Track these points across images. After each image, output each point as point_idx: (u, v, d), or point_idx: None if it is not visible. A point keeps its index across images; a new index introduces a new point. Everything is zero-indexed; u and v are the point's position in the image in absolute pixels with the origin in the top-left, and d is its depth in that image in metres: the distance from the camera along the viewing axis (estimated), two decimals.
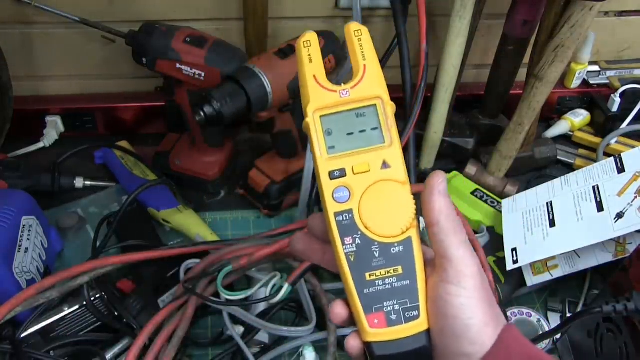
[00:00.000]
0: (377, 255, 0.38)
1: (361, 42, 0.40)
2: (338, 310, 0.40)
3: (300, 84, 0.40)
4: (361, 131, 0.40)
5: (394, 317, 0.38)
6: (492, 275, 0.74)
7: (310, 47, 0.40)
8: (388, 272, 0.38)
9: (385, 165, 0.39)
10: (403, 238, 0.39)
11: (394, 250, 0.39)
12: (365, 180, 0.39)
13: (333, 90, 0.40)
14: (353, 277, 0.38)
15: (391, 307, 0.38)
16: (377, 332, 0.38)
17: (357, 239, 0.39)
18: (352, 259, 0.39)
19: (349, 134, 0.40)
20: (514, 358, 0.37)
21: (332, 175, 0.39)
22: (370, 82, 0.40)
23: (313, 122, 0.39)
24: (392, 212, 0.39)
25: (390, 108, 0.40)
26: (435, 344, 0.38)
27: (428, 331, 0.38)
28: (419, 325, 0.38)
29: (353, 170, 0.39)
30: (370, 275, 0.38)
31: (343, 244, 0.39)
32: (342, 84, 0.40)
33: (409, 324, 0.38)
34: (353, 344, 0.39)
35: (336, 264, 0.39)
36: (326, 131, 0.39)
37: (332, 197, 0.39)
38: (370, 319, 0.38)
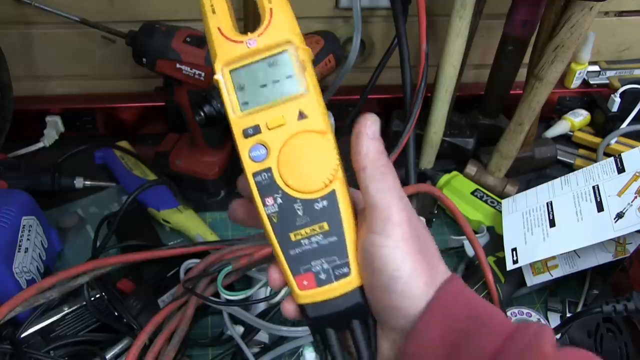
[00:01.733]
0: (300, 213, 0.36)
1: None
2: (274, 275, 0.38)
3: (206, 38, 0.37)
4: (275, 81, 0.37)
5: (323, 276, 0.37)
6: (492, 275, 0.74)
7: None
8: (313, 229, 0.36)
9: (301, 115, 0.37)
10: (327, 192, 0.36)
11: (317, 206, 0.36)
12: (282, 135, 0.36)
13: (240, 41, 0.36)
14: (278, 239, 0.37)
15: (319, 266, 0.37)
16: (308, 294, 0.37)
17: (279, 198, 0.37)
18: (275, 220, 0.37)
19: (262, 86, 0.37)
20: (455, 319, 0.34)
21: (245, 133, 0.37)
22: (279, 27, 0.36)
23: (222, 78, 0.37)
24: (312, 166, 0.36)
25: (303, 52, 0.37)
26: (369, 300, 0.37)
27: (362, 287, 0.37)
28: (350, 282, 0.36)
29: (267, 126, 0.36)
30: (295, 235, 0.37)
31: (264, 204, 0.37)
32: (249, 33, 0.37)
33: (339, 281, 0.36)
34: (288, 307, 0.38)
35: (260, 226, 0.37)
36: (238, 86, 0.37)
37: (249, 156, 0.37)
38: (299, 281, 0.37)
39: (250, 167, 0.37)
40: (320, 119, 0.37)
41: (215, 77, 0.37)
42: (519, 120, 0.84)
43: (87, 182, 0.87)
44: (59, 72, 0.93)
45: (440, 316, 0.34)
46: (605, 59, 1.07)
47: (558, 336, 0.71)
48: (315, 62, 0.80)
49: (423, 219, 0.84)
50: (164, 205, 0.83)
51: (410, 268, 0.35)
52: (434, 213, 0.88)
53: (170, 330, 0.68)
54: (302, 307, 0.37)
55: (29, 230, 0.70)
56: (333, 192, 0.36)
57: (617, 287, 0.62)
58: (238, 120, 0.37)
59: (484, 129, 0.97)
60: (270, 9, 0.37)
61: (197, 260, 0.74)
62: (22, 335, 0.65)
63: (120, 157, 0.90)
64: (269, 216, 0.37)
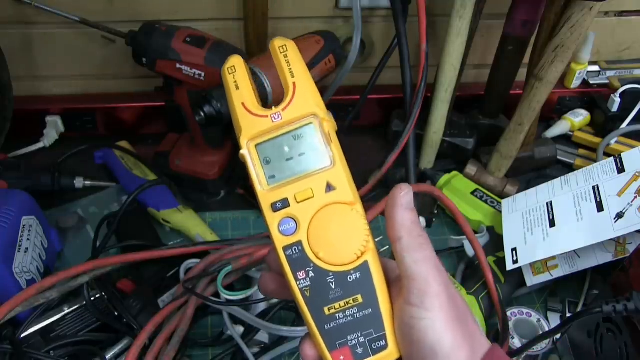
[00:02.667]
0: (333, 286, 0.36)
1: (287, 58, 0.37)
2: (308, 352, 0.37)
3: (231, 114, 0.38)
4: (301, 154, 0.37)
5: (360, 350, 0.36)
6: (492, 275, 0.74)
7: (235, 73, 0.38)
8: (347, 302, 0.36)
9: (329, 187, 0.37)
10: (359, 264, 0.36)
11: (350, 278, 0.36)
12: (311, 208, 0.36)
13: (264, 116, 0.37)
14: (311, 314, 0.36)
15: (356, 340, 0.36)
16: None
17: (311, 272, 0.36)
18: (308, 294, 0.36)
19: (288, 160, 0.37)
20: None
21: (274, 207, 0.37)
22: (303, 100, 0.37)
23: (248, 153, 0.37)
24: (343, 238, 0.36)
25: (327, 124, 0.37)
26: None
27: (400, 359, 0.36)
28: (388, 355, 0.36)
29: (296, 199, 0.36)
30: (329, 309, 0.36)
31: (296, 279, 0.36)
32: (273, 107, 0.37)
33: (377, 355, 0.36)
34: None
35: (294, 301, 0.37)
36: (264, 160, 0.37)
37: (278, 230, 0.36)
38: (336, 357, 0.36)
39: (280, 241, 0.36)
40: (349, 190, 0.37)
41: (242, 152, 0.37)
42: (519, 120, 0.84)
43: (87, 182, 0.87)
44: (59, 72, 0.93)
45: None
46: (605, 59, 1.07)
47: (558, 336, 0.71)
48: (315, 63, 0.80)
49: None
50: (164, 205, 0.83)
51: (451, 340, 0.34)
52: (434, 213, 0.88)
53: (170, 330, 0.68)
54: None
55: (29, 230, 0.70)
56: (365, 263, 0.36)
57: (617, 287, 0.62)
58: (266, 194, 0.37)
59: (484, 129, 0.97)
60: (294, 82, 0.37)
61: (197, 260, 0.74)
62: (22, 335, 0.65)
63: (120, 157, 0.90)
64: (301, 290, 0.36)
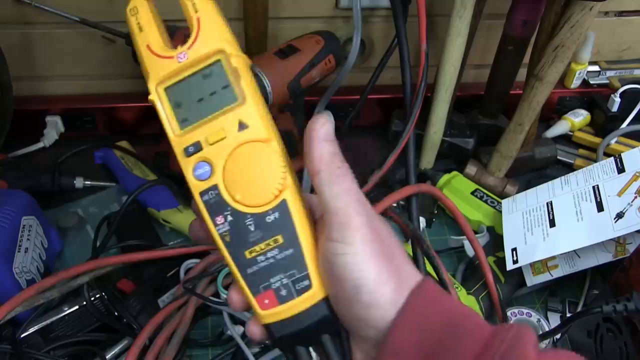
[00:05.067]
0: (252, 229, 0.35)
1: None
2: (234, 297, 0.36)
3: (138, 58, 0.36)
4: (211, 94, 0.35)
5: (284, 292, 0.35)
6: (492, 275, 0.74)
7: (137, 14, 0.36)
8: (268, 244, 0.35)
9: (242, 125, 0.35)
10: (277, 203, 0.35)
11: (269, 219, 0.35)
12: (224, 149, 0.35)
13: (170, 57, 0.35)
14: (233, 259, 0.35)
15: (279, 282, 0.35)
16: (271, 313, 0.35)
17: (229, 216, 0.35)
18: (228, 239, 0.35)
19: (199, 101, 0.35)
20: (430, 327, 0.32)
21: (187, 152, 0.35)
22: (208, 36, 0.35)
23: (158, 97, 0.35)
24: (259, 177, 0.34)
25: (237, 59, 0.35)
26: (336, 312, 0.34)
27: (327, 299, 0.35)
28: (314, 295, 0.35)
29: (208, 141, 0.35)
30: (250, 253, 0.35)
31: (215, 224, 0.35)
32: (179, 46, 0.35)
33: (301, 296, 0.35)
34: (253, 329, 0.36)
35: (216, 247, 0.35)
36: (174, 104, 0.35)
37: (193, 175, 0.35)
38: (260, 300, 0.35)
39: (196, 187, 0.35)
40: (262, 127, 0.35)
41: (150, 97, 0.35)
42: (519, 120, 0.84)
43: (87, 182, 0.87)
44: (59, 72, 0.93)
45: (414, 325, 0.32)
46: (605, 59, 1.07)
47: (558, 336, 0.71)
48: (315, 63, 0.80)
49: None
50: (164, 205, 0.83)
51: (374, 275, 0.32)
52: (434, 213, 0.88)
53: (170, 330, 0.68)
54: (267, 328, 0.35)
55: (29, 230, 0.70)
56: (284, 202, 0.35)
57: (617, 287, 0.62)
58: (178, 140, 0.35)
59: (484, 129, 0.97)
60: (198, 18, 0.35)
61: (197, 260, 0.74)
62: (22, 335, 0.65)
63: (120, 157, 0.90)
64: (221, 235, 0.35)
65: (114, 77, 0.94)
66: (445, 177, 0.90)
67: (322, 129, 0.34)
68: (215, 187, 0.35)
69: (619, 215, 0.68)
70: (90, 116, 0.95)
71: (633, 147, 0.88)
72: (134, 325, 0.67)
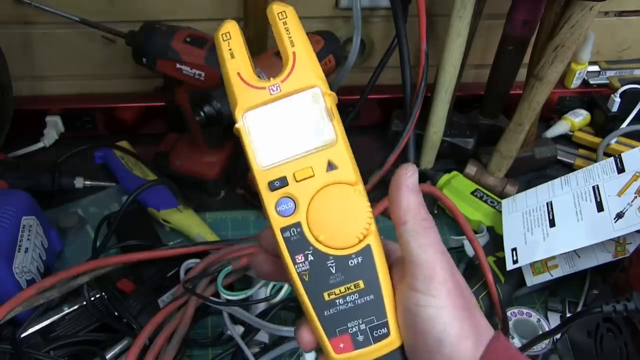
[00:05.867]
0: (333, 271, 0.34)
1: (287, 25, 0.35)
2: (306, 338, 0.35)
3: (225, 84, 0.35)
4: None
5: (360, 338, 0.34)
6: (492, 275, 0.74)
7: (230, 40, 0.35)
8: (348, 288, 0.34)
9: (331, 166, 0.34)
10: (361, 247, 0.34)
11: (352, 262, 0.34)
12: (311, 187, 0.34)
13: (262, 87, 0.34)
14: (310, 299, 0.34)
15: (356, 327, 0.34)
16: (345, 357, 0.34)
17: (310, 255, 0.34)
18: (307, 279, 0.34)
19: None
20: None
21: (272, 186, 0.34)
22: (303, 72, 0.34)
23: (244, 127, 0.34)
24: (345, 220, 0.34)
25: (329, 98, 0.35)
26: None
27: (402, 348, 0.35)
28: (390, 343, 0.34)
29: (295, 177, 0.34)
30: (329, 295, 0.34)
31: (294, 262, 0.34)
32: (271, 78, 0.35)
33: (378, 343, 0.34)
34: None
35: (291, 285, 0.35)
36: None
37: (276, 210, 0.34)
38: (335, 344, 0.34)
39: (277, 222, 0.34)
40: (351, 169, 0.35)
41: (237, 125, 0.34)
42: (519, 120, 0.84)
43: (87, 182, 0.87)
44: (59, 72, 0.93)
45: None
46: (605, 59, 1.07)
47: (558, 336, 0.71)
48: None
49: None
50: (164, 205, 0.83)
51: (457, 329, 0.33)
52: (434, 213, 0.88)
53: (170, 330, 0.68)
54: None
55: (29, 230, 0.70)
56: (368, 247, 0.34)
57: (617, 287, 0.62)
58: (263, 173, 0.34)
59: (484, 129, 0.97)
60: (294, 52, 0.34)
61: (197, 260, 0.74)
62: (22, 335, 0.65)
63: (120, 157, 0.90)
64: (299, 274, 0.34)
65: (114, 77, 0.94)
66: (445, 177, 0.90)
67: (410, 179, 0.35)
68: (298, 225, 0.34)
69: (619, 215, 0.68)
70: (90, 116, 0.95)
71: (633, 147, 0.88)
72: (134, 325, 0.67)
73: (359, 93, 0.92)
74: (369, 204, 0.35)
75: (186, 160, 0.88)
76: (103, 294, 0.68)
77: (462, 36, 0.80)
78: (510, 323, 0.72)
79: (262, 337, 0.71)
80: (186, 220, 0.82)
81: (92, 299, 0.68)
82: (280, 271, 0.36)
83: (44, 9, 0.82)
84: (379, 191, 0.87)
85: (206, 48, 0.75)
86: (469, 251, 0.78)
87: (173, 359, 0.66)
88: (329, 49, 0.81)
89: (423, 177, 0.92)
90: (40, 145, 0.93)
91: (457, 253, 0.83)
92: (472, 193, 0.87)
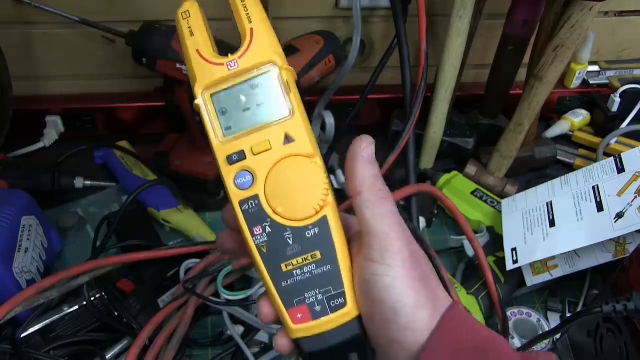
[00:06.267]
0: (291, 242, 0.35)
1: (245, 2, 0.36)
2: (265, 310, 0.36)
3: (185, 61, 0.36)
4: (258, 104, 0.35)
5: (318, 308, 0.35)
6: (492, 275, 0.74)
7: (190, 19, 0.36)
8: (305, 259, 0.35)
9: (288, 139, 0.35)
10: (317, 219, 0.35)
11: (308, 233, 0.35)
12: (268, 160, 0.35)
13: (220, 64, 0.35)
14: (268, 270, 0.35)
15: (314, 297, 0.35)
16: (303, 327, 0.35)
17: (267, 227, 0.35)
18: (265, 250, 0.35)
19: (245, 110, 0.35)
20: (461, 350, 0.32)
21: (230, 160, 0.35)
22: (260, 47, 0.35)
23: (204, 102, 0.35)
24: (302, 191, 0.35)
25: (286, 73, 0.35)
26: (368, 331, 0.35)
27: (360, 318, 0.35)
28: (347, 313, 0.35)
29: (253, 151, 0.35)
30: (286, 266, 0.35)
31: (252, 234, 0.35)
32: (230, 54, 0.35)
33: (335, 313, 0.35)
34: (281, 342, 0.36)
35: (250, 257, 0.36)
36: (220, 110, 0.35)
37: (234, 184, 0.35)
38: (293, 314, 0.35)
39: (236, 195, 0.35)
40: (308, 142, 0.35)
41: (196, 101, 0.35)
42: (519, 120, 0.84)
43: (87, 182, 0.87)
44: (59, 72, 0.93)
45: (446, 348, 0.32)
46: (605, 59, 1.07)
47: (558, 336, 0.71)
48: (315, 63, 0.80)
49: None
50: (164, 205, 0.83)
51: (413, 299, 0.33)
52: (434, 213, 0.88)
53: (170, 330, 0.68)
54: (296, 342, 0.35)
55: (29, 230, 0.70)
56: (324, 218, 0.35)
57: (617, 287, 0.62)
58: (221, 147, 0.35)
59: (484, 129, 0.97)
60: (251, 28, 0.35)
61: (197, 260, 0.74)
62: (22, 335, 0.65)
63: (120, 157, 0.90)
64: (257, 246, 0.35)
65: (114, 77, 0.94)
66: (445, 177, 0.90)
67: (365, 151, 0.35)
68: (256, 197, 0.35)
69: (619, 215, 0.68)
70: (90, 116, 0.95)
71: (633, 147, 0.88)
72: (134, 325, 0.67)
73: (359, 93, 0.92)
74: (326, 175, 0.35)
75: (186, 160, 0.88)
76: (103, 294, 0.68)
77: (462, 36, 0.80)
78: (510, 323, 0.72)
79: (262, 337, 0.71)
80: (186, 220, 0.82)
81: (92, 299, 0.68)
82: (242, 247, 0.36)
83: (44, 9, 0.82)
84: None
85: None
86: (469, 251, 0.78)
87: (173, 359, 0.66)
88: (329, 49, 0.81)
89: (423, 177, 0.92)
90: (40, 145, 0.93)
91: (457, 253, 0.83)
92: (472, 193, 0.87)
